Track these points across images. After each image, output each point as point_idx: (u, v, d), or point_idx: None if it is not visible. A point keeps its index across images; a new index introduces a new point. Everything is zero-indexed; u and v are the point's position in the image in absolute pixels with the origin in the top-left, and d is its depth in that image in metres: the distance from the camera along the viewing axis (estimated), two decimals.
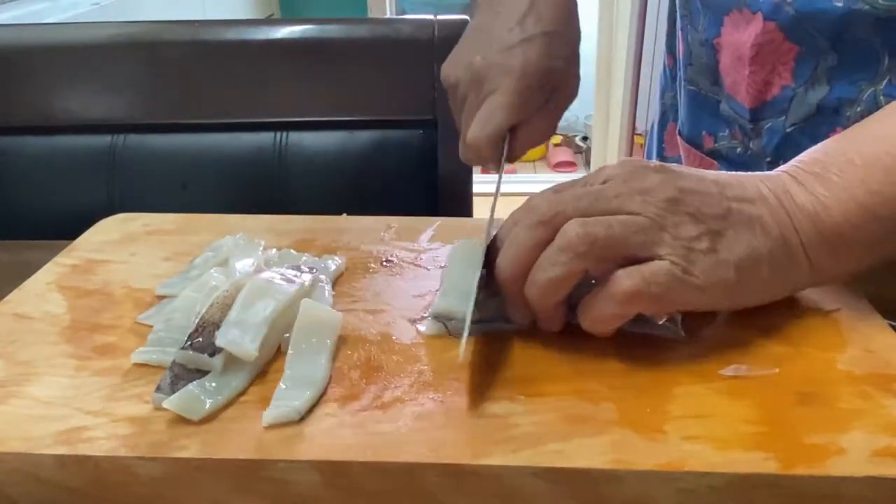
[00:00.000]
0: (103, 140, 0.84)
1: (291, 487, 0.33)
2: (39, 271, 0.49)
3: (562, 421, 0.34)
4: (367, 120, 0.85)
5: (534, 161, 3.15)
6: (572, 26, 0.52)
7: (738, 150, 0.62)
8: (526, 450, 0.32)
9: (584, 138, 3.17)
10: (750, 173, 0.42)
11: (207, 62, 0.84)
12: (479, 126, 0.48)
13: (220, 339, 0.37)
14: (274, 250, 0.49)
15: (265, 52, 0.84)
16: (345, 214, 0.57)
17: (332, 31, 0.85)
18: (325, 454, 0.32)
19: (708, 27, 0.61)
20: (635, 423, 0.34)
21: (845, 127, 0.44)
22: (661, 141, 0.76)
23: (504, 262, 0.39)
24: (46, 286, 0.47)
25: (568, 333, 0.40)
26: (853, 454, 0.32)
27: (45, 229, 0.64)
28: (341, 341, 0.40)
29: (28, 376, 0.38)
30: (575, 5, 0.53)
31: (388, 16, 2.64)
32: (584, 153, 3.18)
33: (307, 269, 0.44)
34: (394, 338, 0.41)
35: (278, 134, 0.84)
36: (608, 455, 0.32)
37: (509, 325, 0.41)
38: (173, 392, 0.35)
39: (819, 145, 0.42)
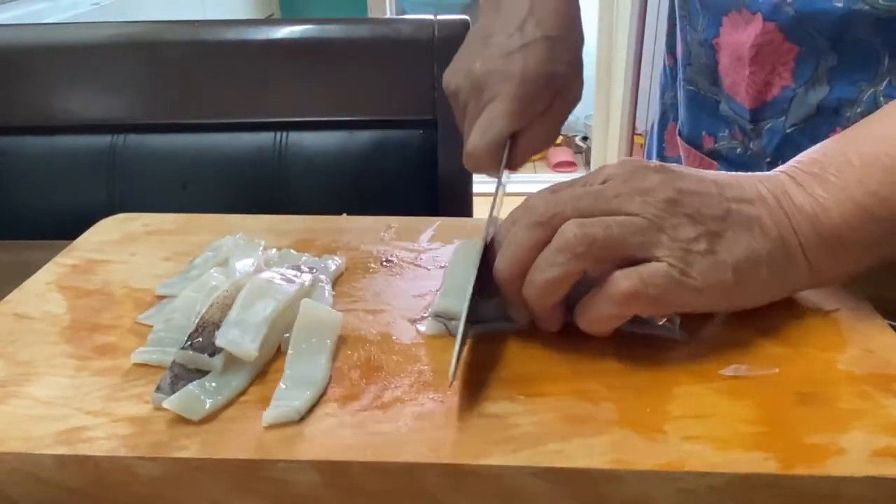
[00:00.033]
0: (103, 140, 0.84)
1: (291, 487, 0.33)
2: (39, 271, 0.49)
3: (562, 421, 0.34)
4: (367, 120, 0.85)
5: (534, 161, 3.15)
6: (574, 30, 0.51)
7: (738, 150, 0.62)
8: (526, 450, 0.32)
9: (584, 138, 3.17)
10: (748, 174, 0.41)
11: (207, 62, 0.84)
12: (478, 134, 0.47)
13: (220, 339, 0.37)
14: (274, 250, 0.49)
15: (265, 52, 0.84)
16: (345, 214, 0.57)
17: (332, 31, 0.85)
18: (325, 454, 0.32)
19: (707, 27, 0.61)
20: (635, 423, 0.34)
21: (845, 128, 0.44)
22: (661, 141, 0.76)
23: (502, 262, 0.39)
24: (46, 286, 0.47)
25: (567, 333, 0.40)
26: (853, 454, 0.32)
27: (45, 229, 0.64)
28: (341, 341, 0.40)
29: (28, 376, 0.38)
30: (577, 10, 0.52)
31: (388, 16, 2.64)
32: (584, 153, 3.18)
33: (307, 269, 0.44)
34: (394, 338, 0.41)
35: (278, 134, 0.84)
36: (608, 455, 0.32)
37: (509, 325, 0.41)
38: (173, 392, 0.35)
39: (818, 146, 0.42)
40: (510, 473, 0.32)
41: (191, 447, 0.33)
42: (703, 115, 0.65)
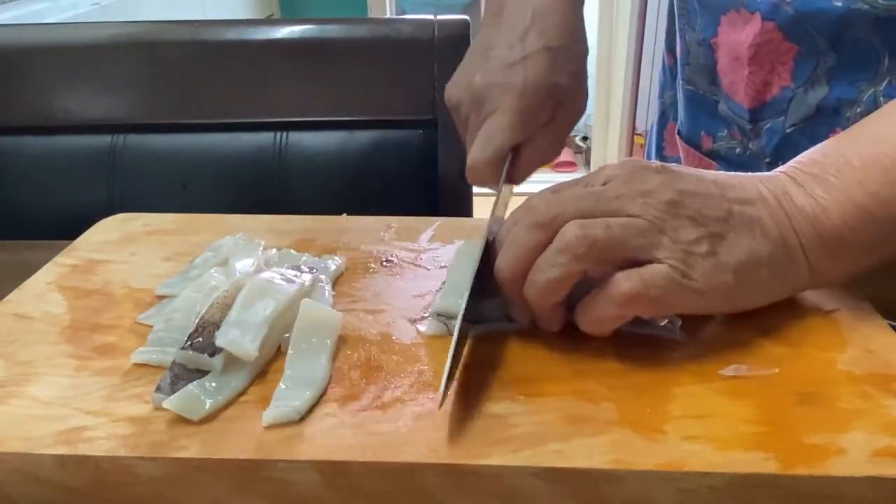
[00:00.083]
0: (103, 140, 0.84)
1: (291, 487, 0.33)
2: (39, 271, 0.49)
3: (562, 421, 0.34)
4: (367, 120, 0.85)
5: None
6: (578, 41, 0.50)
7: (738, 150, 0.62)
8: (526, 450, 0.32)
9: (584, 138, 3.17)
10: (748, 174, 0.41)
11: (207, 62, 0.84)
12: (479, 148, 0.46)
13: (220, 339, 0.37)
14: (274, 250, 0.49)
15: (265, 52, 0.84)
16: (345, 214, 0.57)
17: (332, 31, 0.85)
18: (325, 454, 0.32)
19: (705, 27, 0.61)
20: (635, 423, 0.34)
21: (845, 128, 0.44)
22: (660, 140, 0.76)
23: (503, 262, 0.39)
24: (46, 286, 0.47)
25: (568, 334, 0.40)
26: (853, 454, 0.32)
27: (45, 229, 0.64)
28: (341, 341, 0.40)
29: (28, 376, 0.38)
30: (581, 19, 0.51)
31: (388, 16, 2.64)
32: (584, 153, 3.18)
33: (307, 269, 0.44)
34: (394, 338, 0.41)
35: (278, 134, 0.84)
36: (608, 455, 0.32)
37: (510, 325, 0.41)
38: (173, 392, 0.35)
39: (818, 146, 0.42)
40: (510, 473, 0.32)
41: (191, 447, 0.33)
42: (702, 115, 0.65)
